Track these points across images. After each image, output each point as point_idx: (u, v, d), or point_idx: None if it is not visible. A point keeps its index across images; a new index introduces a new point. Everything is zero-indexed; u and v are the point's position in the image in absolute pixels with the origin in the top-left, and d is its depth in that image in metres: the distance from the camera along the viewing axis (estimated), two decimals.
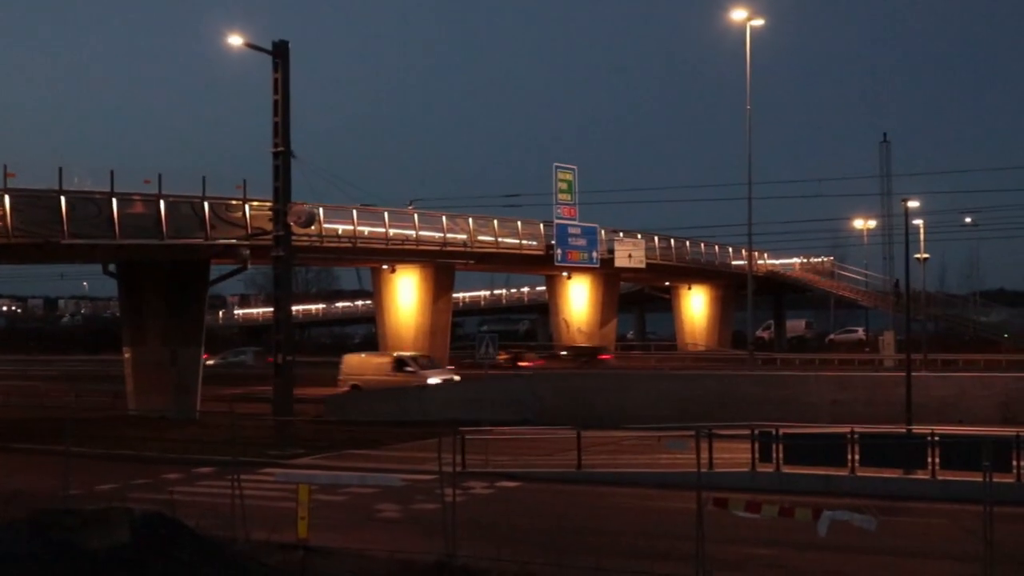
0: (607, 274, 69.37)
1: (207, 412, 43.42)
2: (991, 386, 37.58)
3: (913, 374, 34.15)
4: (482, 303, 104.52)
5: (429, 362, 51.80)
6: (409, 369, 49.36)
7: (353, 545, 18.27)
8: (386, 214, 53.98)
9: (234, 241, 42.25)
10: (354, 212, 51.45)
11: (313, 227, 42.39)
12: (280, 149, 34.82)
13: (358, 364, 51.90)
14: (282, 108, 34.66)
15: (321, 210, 46.69)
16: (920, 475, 25.41)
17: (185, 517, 15.66)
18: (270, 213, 36.55)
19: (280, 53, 34.63)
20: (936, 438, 25.78)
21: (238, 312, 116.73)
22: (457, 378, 49.41)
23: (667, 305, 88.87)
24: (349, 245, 50.93)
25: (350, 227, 50.84)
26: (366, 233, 52.15)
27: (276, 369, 35.28)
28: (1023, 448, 24.33)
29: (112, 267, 43.47)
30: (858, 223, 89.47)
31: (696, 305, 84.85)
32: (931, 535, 21.50)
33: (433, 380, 47.15)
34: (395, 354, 52.67)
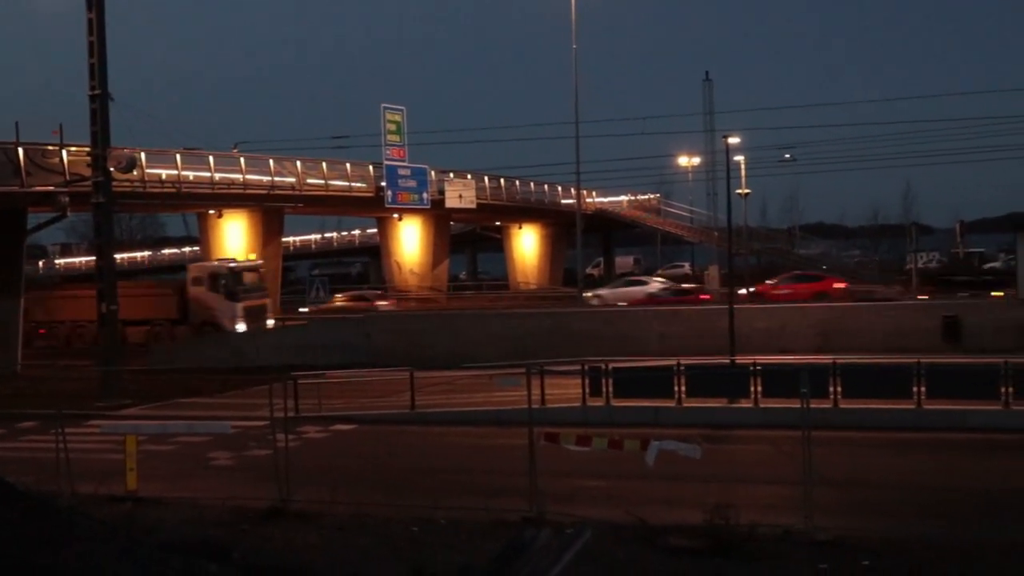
0: (438, 215, 69.32)
1: (29, 365, 42.14)
2: (809, 316, 38.96)
3: (736, 307, 35.20)
4: (313, 247, 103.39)
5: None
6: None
7: (185, 494, 18.04)
8: (211, 158, 52.73)
9: (52, 188, 40.75)
10: (177, 156, 50.12)
11: (135, 172, 41.08)
12: (97, 92, 33.65)
13: None
14: (98, 49, 33.45)
15: (143, 155, 45.33)
16: (744, 404, 26.27)
17: (6, 474, 15.17)
18: (89, 158, 35.38)
19: None
20: (758, 368, 26.66)
21: (59, 261, 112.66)
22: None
23: (499, 245, 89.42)
24: (173, 190, 49.64)
25: (174, 172, 49.50)
26: (191, 178, 50.83)
27: (100, 318, 34.39)
28: (839, 375, 25.36)
29: None
30: (683, 160, 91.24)
31: (527, 244, 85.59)
32: (755, 461, 22.32)
33: None
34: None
